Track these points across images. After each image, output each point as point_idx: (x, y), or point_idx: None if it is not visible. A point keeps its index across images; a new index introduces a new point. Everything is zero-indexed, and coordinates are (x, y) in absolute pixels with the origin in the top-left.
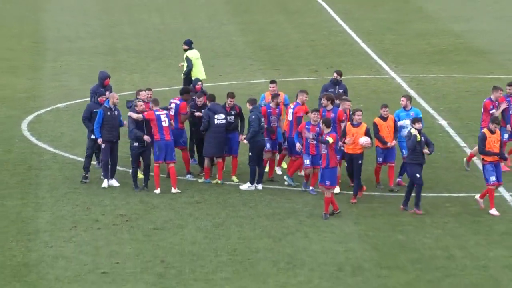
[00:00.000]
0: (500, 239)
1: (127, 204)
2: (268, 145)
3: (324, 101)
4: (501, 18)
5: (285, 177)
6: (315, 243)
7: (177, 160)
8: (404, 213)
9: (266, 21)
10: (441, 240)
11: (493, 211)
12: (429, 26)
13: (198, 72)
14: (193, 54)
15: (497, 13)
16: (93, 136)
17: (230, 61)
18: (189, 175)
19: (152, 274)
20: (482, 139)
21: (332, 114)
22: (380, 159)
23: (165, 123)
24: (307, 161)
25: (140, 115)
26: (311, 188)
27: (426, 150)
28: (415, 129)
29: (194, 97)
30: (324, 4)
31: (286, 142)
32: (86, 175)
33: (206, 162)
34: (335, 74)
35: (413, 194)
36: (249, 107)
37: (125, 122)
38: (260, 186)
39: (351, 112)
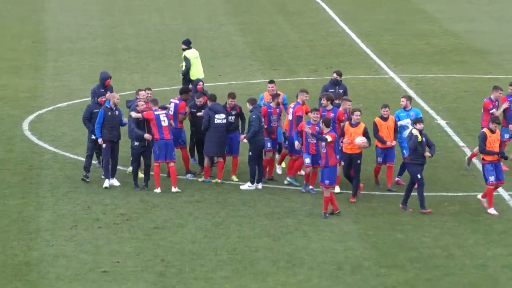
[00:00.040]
0: (499, 238)
1: (127, 203)
2: (269, 144)
3: (324, 101)
4: (500, 19)
5: (288, 178)
6: (315, 242)
7: (176, 160)
8: (404, 212)
9: (265, 21)
10: (440, 239)
11: (492, 211)
12: (428, 26)
13: (197, 71)
14: (191, 53)
15: (496, 13)
16: (93, 137)
17: (229, 61)
18: (189, 175)
19: (153, 273)
20: (483, 139)
21: (332, 114)
22: (380, 159)
23: (165, 123)
24: (307, 160)
25: (139, 114)
26: (310, 187)
27: (428, 154)
28: (417, 129)
29: (194, 97)
30: (323, 4)
31: (286, 142)
32: (87, 175)
33: (206, 161)
34: (334, 75)
35: (413, 194)
36: (249, 107)
37: (125, 119)
38: (259, 186)
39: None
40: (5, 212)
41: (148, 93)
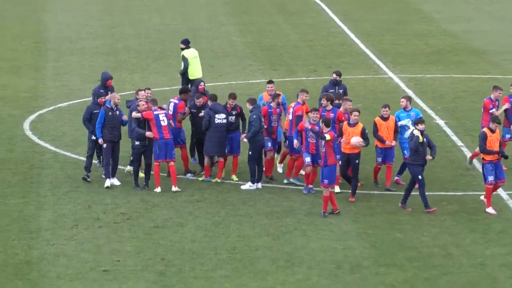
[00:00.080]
0: (497, 237)
1: (128, 203)
2: (269, 144)
3: (324, 101)
4: (499, 19)
5: (291, 180)
6: (314, 241)
7: (176, 159)
8: (402, 211)
9: (265, 21)
10: (438, 238)
11: (490, 210)
12: (427, 26)
13: (195, 71)
14: (190, 53)
15: (495, 13)
16: (93, 137)
17: (229, 61)
18: (189, 174)
19: (153, 272)
20: (483, 138)
21: (332, 115)
22: (379, 159)
23: (164, 122)
24: (307, 159)
25: (139, 114)
26: (310, 186)
27: (429, 157)
28: (418, 130)
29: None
30: (323, 5)
31: (287, 141)
32: (88, 174)
33: (206, 160)
34: (334, 75)
35: (413, 193)
36: (249, 107)
37: (125, 116)
38: (259, 185)
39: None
40: (6, 211)
41: (148, 93)
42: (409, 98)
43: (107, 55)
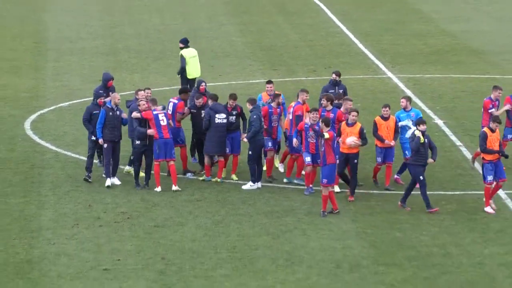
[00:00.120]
0: (496, 237)
1: (128, 202)
2: (269, 144)
3: (324, 102)
4: (497, 19)
5: (295, 181)
6: (313, 240)
7: (176, 158)
8: (402, 211)
9: (265, 21)
10: (437, 237)
11: (488, 209)
12: (426, 27)
13: (193, 70)
14: (188, 52)
15: (493, 14)
16: (93, 138)
17: (229, 61)
18: (189, 174)
19: (153, 271)
20: (483, 138)
21: (332, 115)
22: (379, 159)
23: (163, 122)
24: (307, 159)
25: (138, 114)
26: (310, 186)
27: (430, 160)
28: (419, 130)
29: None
30: (322, 5)
31: (287, 141)
32: (89, 175)
33: (206, 159)
34: (333, 75)
35: (413, 193)
36: (249, 107)
37: (124, 114)
38: (259, 184)
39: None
40: (7, 210)
41: (147, 93)
42: (409, 98)
43: (107, 55)
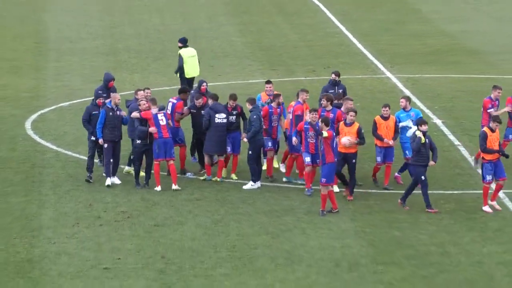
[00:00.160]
0: (494, 236)
1: (128, 201)
2: (269, 143)
3: (323, 102)
4: (496, 19)
5: (299, 181)
6: (313, 239)
7: (175, 158)
8: (400, 210)
9: (264, 22)
10: (436, 236)
11: (486, 208)
12: (424, 27)
13: (191, 69)
14: (186, 52)
15: (492, 14)
16: (93, 138)
17: (229, 61)
18: (189, 173)
19: (153, 269)
20: (483, 137)
21: (331, 115)
22: (379, 159)
23: (163, 122)
24: (307, 159)
25: (138, 114)
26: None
27: (432, 163)
28: (421, 131)
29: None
30: (321, 5)
31: (287, 141)
32: (90, 175)
33: (206, 159)
34: (333, 75)
35: (414, 192)
36: (249, 106)
37: (123, 112)
38: (258, 183)
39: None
40: (7, 209)
41: (147, 93)
42: (408, 99)
43: (107, 55)
